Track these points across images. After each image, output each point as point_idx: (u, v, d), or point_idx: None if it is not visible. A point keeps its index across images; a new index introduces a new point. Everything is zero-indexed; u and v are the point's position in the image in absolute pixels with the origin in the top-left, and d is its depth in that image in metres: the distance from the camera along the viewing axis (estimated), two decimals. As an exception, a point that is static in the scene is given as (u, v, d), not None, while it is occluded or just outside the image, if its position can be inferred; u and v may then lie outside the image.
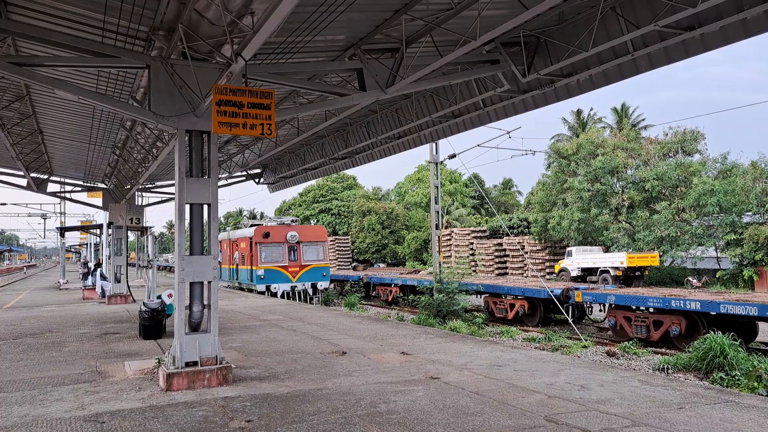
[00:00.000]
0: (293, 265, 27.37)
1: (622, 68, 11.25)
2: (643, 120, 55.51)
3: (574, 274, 34.25)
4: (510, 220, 46.62)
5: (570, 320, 18.24)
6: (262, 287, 26.90)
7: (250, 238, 27.98)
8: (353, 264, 49.92)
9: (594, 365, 9.45)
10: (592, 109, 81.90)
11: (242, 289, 29.64)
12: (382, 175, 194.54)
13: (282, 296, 26.13)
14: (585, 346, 15.48)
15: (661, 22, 9.17)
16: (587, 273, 33.38)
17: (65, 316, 17.93)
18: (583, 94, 12.49)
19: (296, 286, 27.04)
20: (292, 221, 30.85)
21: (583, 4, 10.12)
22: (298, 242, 27.72)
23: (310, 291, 27.41)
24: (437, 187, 25.51)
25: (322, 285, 27.77)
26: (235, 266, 30.87)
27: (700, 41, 9.91)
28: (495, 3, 8.76)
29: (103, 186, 25.93)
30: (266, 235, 27.26)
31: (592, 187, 36.42)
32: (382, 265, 53.46)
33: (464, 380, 8.32)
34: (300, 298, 26.79)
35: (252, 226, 31.52)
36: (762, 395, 9.15)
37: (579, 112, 58.43)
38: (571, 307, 19.13)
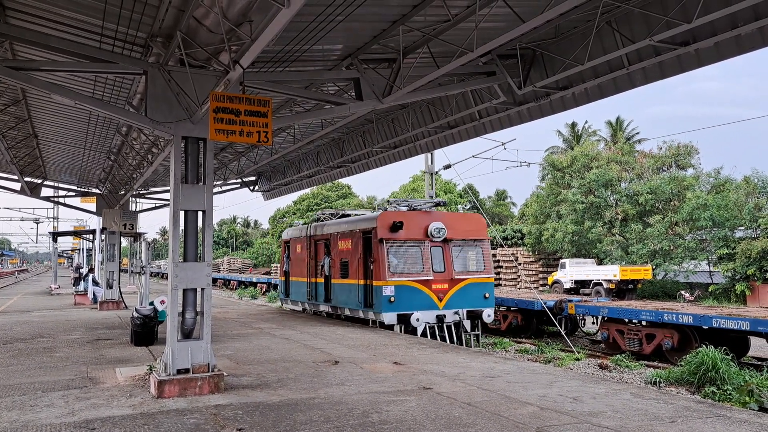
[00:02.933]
0: (440, 280, 16.14)
1: (617, 82, 11.36)
2: (638, 134, 55.94)
3: (567, 286, 34.29)
4: (504, 231, 46.70)
5: (563, 332, 18.23)
6: (390, 317, 15.43)
7: (368, 232, 16.51)
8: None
9: (586, 377, 9.45)
10: (586, 122, 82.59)
11: (336, 317, 18.50)
12: (377, 184, 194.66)
13: (424, 334, 15.53)
14: (578, 359, 15.47)
15: (657, 37, 9.26)
16: (580, 285, 33.42)
17: (56, 322, 17.81)
18: (578, 107, 12.61)
19: (444, 316, 15.92)
20: (436, 205, 18.30)
21: (579, 18, 10.22)
22: (445, 240, 16.45)
23: (467, 325, 16.32)
24: (432, 197, 25.55)
25: (486, 314, 16.43)
26: (316, 279, 19.63)
27: (695, 56, 10.02)
28: (492, 16, 8.84)
29: (97, 191, 25.85)
30: (397, 227, 15.85)
31: (586, 200, 36.56)
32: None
33: (457, 391, 8.30)
34: (450, 336, 15.97)
35: (347, 215, 20.43)
36: (753, 410, 9.16)
37: (574, 125, 58.79)
38: (564, 319, 19.13)
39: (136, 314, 12.73)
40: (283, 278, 22.86)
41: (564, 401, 7.73)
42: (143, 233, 30.95)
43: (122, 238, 26.11)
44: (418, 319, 15.39)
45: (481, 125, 14.89)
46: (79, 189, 26.48)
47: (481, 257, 17.08)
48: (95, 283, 24.85)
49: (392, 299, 15.36)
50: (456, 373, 9.63)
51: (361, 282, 16.58)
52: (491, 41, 8.98)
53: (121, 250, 26.05)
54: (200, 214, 8.80)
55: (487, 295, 16.77)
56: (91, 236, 36.28)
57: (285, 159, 22.35)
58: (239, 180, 25.64)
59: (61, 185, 26.19)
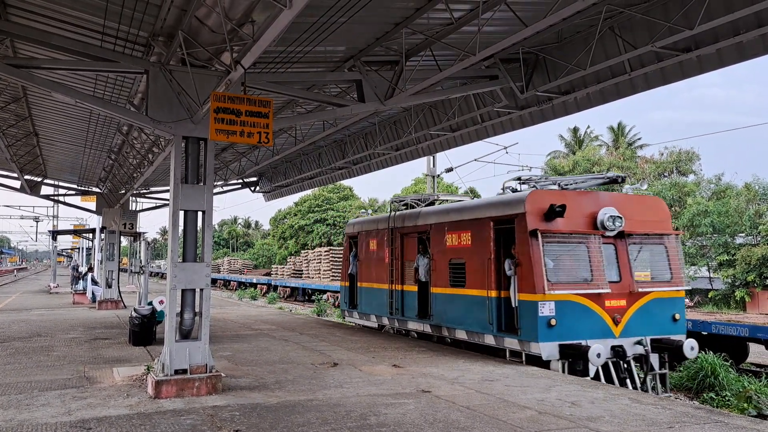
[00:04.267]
0: (615, 294, 11.20)
1: (619, 87, 11.35)
2: (639, 139, 55.75)
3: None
4: (504, 235, 46.58)
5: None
6: (549, 348, 10.54)
7: (506, 220, 11.51)
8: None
9: (585, 382, 9.42)
10: (588, 126, 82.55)
11: (439, 340, 13.64)
12: (378, 186, 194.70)
13: (596, 377, 10.53)
14: (577, 364, 15.45)
15: (659, 43, 9.27)
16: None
17: (54, 321, 17.79)
18: (580, 112, 12.60)
19: (621, 348, 10.90)
20: (608, 182, 13.06)
21: (581, 23, 10.21)
22: (620, 234, 11.57)
23: (654, 362, 11.29)
24: (433, 200, 25.51)
25: (688, 346, 11.07)
26: (403, 287, 14.83)
27: (697, 63, 10.02)
28: (495, 19, 8.83)
29: (98, 190, 25.84)
30: (555, 213, 10.96)
31: (587, 204, 36.49)
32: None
33: (455, 394, 8.27)
34: (631, 377, 11.02)
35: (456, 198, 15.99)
36: (752, 416, 9.13)
37: (576, 130, 58.72)
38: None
39: (134, 314, 12.72)
40: (347, 284, 17.78)
41: (562, 405, 7.70)
42: (143, 233, 30.93)
43: (122, 237, 26.10)
44: (599, 355, 10.07)
45: (483, 129, 14.88)
46: (79, 188, 26.47)
47: (666, 259, 12.03)
48: (94, 282, 24.86)
49: (552, 322, 10.39)
50: (455, 376, 9.60)
51: (492, 294, 11.60)
52: (494, 45, 8.98)
53: (120, 250, 26.01)
54: (200, 214, 8.79)
55: (677, 316, 11.61)
56: (90, 235, 36.28)
57: (286, 160, 22.33)
58: (240, 180, 25.63)
59: (61, 184, 26.18)
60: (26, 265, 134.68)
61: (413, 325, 14.42)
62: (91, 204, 26.08)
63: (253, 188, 27.05)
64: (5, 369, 10.01)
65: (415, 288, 14.32)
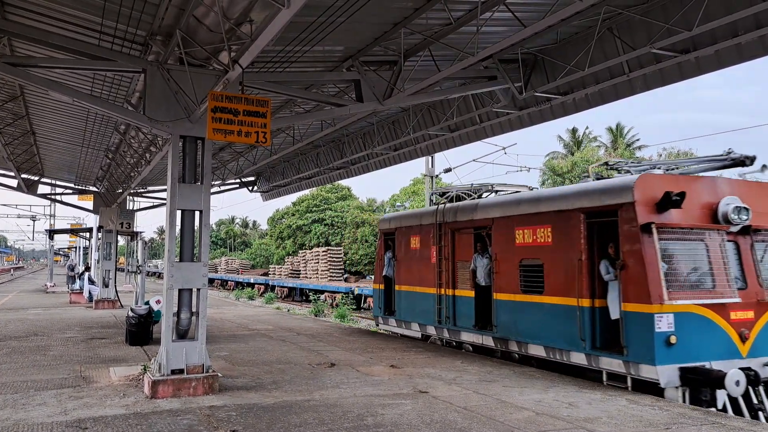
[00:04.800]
0: (742, 303, 9.04)
1: (618, 88, 11.35)
2: (638, 140, 55.81)
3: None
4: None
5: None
6: (668, 373, 8.41)
7: (605, 211, 9.43)
8: (345, 275, 49.71)
9: (582, 383, 9.40)
10: (587, 127, 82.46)
11: (503, 355, 11.56)
12: (376, 186, 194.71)
13: (723, 408, 8.47)
14: (574, 365, 15.44)
15: (657, 44, 9.27)
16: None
17: (51, 320, 17.74)
18: (578, 113, 12.60)
19: (752, 370, 8.61)
20: (728, 166, 10.37)
21: (580, 25, 10.21)
22: (746, 230, 9.47)
23: None
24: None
25: None
26: (455, 291, 12.83)
27: (695, 64, 10.02)
28: (494, 20, 8.82)
29: (95, 189, 25.81)
30: (671, 203, 8.80)
31: (585, 206, 36.52)
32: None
33: (453, 395, 8.26)
34: (763, 411, 8.77)
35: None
36: (748, 418, 9.12)
37: (574, 131, 58.73)
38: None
39: (131, 313, 12.69)
40: (381, 286, 15.44)
41: (560, 406, 7.69)
42: (140, 232, 30.88)
43: (119, 236, 26.05)
44: (738, 382, 8.28)
45: (482, 129, 14.87)
46: (77, 187, 26.41)
47: None
48: (91, 281, 24.80)
49: (672, 339, 8.46)
50: (452, 377, 9.59)
51: (584, 302, 9.57)
52: (492, 45, 8.98)
53: (117, 249, 25.96)
54: (197, 213, 8.77)
55: None
56: (87, 234, 36.21)
57: (284, 160, 22.30)
58: (238, 180, 25.61)
59: (58, 183, 26.11)
60: (23, 264, 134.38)
61: (468, 337, 12.27)
62: (88, 203, 26.02)
63: (250, 188, 27.04)
64: (1, 368, 9.98)
65: (472, 293, 12.25)
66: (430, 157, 25.07)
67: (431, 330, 13.47)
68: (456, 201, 13.55)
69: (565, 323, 9.89)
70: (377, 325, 16.52)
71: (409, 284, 14.21)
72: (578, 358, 9.70)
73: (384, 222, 16.03)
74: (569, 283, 9.86)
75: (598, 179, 10.57)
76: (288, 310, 26.43)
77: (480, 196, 13.25)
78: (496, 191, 13.32)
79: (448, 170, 25.64)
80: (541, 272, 10.46)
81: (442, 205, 13.43)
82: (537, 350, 10.56)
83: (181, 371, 8.18)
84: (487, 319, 11.84)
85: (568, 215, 10.02)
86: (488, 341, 11.72)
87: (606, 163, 10.92)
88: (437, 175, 27.04)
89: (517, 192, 12.50)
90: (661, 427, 6.81)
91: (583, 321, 9.56)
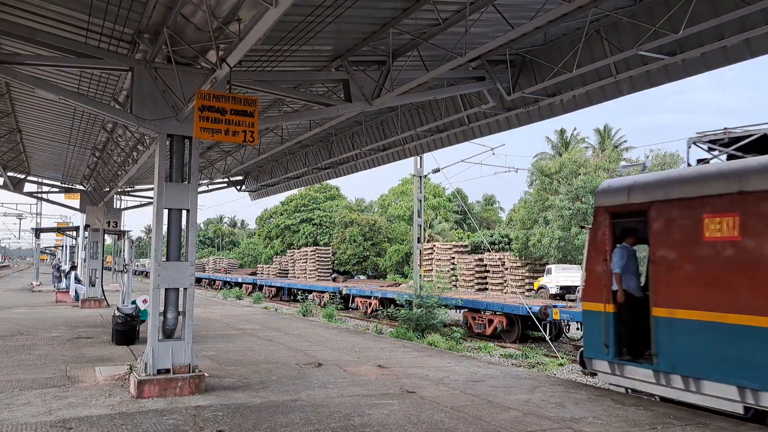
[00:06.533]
0: None
1: (605, 90, 11.41)
2: (625, 141, 56.39)
3: (552, 291, 34.41)
4: (492, 236, 46.81)
5: (547, 338, 18.29)
6: None
7: None
8: (333, 275, 49.69)
9: (569, 383, 9.46)
10: (575, 129, 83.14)
11: None
12: (365, 186, 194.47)
13: None
14: (561, 364, 15.51)
15: (644, 46, 9.31)
16: (566, 291, 33.54)
17: (37, 319, 17.58)
18: (566, 114, 12.65)
19: None
20: None
21: (568, 26, 10.26)
22: None
23: None
24: (420, 201, 25.55)
25: None
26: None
27: (682, 66, 10.09)
28: (482, 21, 8.85)
29: (82, 188, 25.58)
30: None
31: (573, 206, 36.79)
32: (362, 277, 53.25)
33: (440, 395, 8.28)
34: None
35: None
36: (733, 418, 9.21)
37: (562, 132, 59.10)
38: (548, 324, 19.18)
39: (117, 313, 12.60)
40: (609, 308, 8.89)
41: (547, 406, 7.74)
42: (127, 231, 30.67)
43: (106, 235, 25.85)
44: None
45: (470, 130, 14.90)
46: (63, 185, 26.18)
47: None
48: (77, 280, 24.60)
49: None
50: (440, 377, 9.61)
51: None
52: (481, 46, 9.00)
53: (104, 248, 25.74)
54: (184, 212, 8.72)
55: None
56: (74, 233, 35.91)
57: (272, 159, 22.23)
58: (226, 179, 25.48)
59: (44, 181, 25.86)
60: (9, 263, 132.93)
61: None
62: (75, 202, 25.80)
63: (238, 187, 26.92)
64: (-15, 368, 9.88)
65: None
66: (418, 157, 25.09)
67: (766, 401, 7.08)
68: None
69: None
70: (589, 372, 10.09)
71: (701, 307, 7.75)
72: None
73: (616, 193, 9.12)
74: None
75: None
76: (276, 310, 26.35)
77: None
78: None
79: (436, 170, 25.69)
80: None
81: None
82: None
83: (167, 371, 8.13)
84: None
85: None
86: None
87: None
88: (426, 175, 27.08)
89: None
90: (647, 427, 6.87)
91: None
